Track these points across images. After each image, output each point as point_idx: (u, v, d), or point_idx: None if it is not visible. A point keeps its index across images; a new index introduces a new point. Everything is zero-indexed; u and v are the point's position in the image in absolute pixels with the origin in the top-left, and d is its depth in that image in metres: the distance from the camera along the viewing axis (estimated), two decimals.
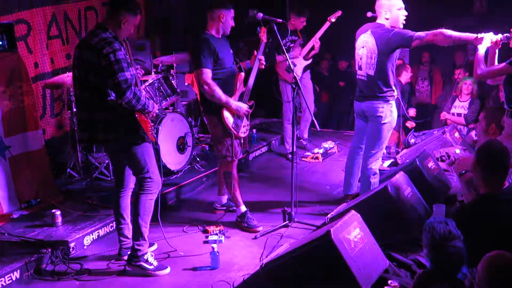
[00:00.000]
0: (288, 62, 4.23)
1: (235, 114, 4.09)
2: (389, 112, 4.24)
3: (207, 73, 3.94)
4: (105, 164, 5.12)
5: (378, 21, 4.21)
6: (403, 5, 4.18)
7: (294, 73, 4.13)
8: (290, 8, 8.62)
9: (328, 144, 6.43)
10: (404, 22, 4.18)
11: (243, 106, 4.12)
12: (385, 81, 4.19)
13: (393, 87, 4.24)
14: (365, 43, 4.21)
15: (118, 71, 3.16)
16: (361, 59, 4.26)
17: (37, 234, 3.91)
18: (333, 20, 5.87)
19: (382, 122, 4.23)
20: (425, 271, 2.58)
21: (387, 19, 4.17)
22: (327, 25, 5.89)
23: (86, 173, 5.12)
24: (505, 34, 3.57)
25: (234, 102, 4.06)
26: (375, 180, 4.36)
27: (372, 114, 4.25)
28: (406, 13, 4.18)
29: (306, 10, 5.94)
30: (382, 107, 4.21)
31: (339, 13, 5.87)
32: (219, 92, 3.97)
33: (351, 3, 6.37)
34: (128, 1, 3.38)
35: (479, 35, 3.62)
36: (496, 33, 3.66)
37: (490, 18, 7.86)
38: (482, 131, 3.73)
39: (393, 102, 4.27)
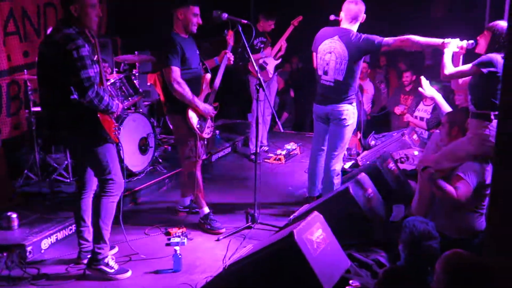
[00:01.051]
0: (253, 63, 4.24)
1: (201, 115, 4.07)
2: (352, 114, 4.32)
3: (177, 71, 3.90)
4: (64, 166, 4.99)
5: (345, 26, 4.25)
6: None
7: (258, 75, 4.14)
8: (255, 10, 8.71)
9: (291, 146, 6.48)
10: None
11: (210, 108, 4.11)
12: (352, 86, 4.27)
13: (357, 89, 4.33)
14: (332, 49, 4.23)
15: (81, 68, 3.09)
16: (327, 64, 4.27)
17: None
18: (295, 24, 6.11)
19: (346, 124, 4.30)
20: (394, 267, 2.65)
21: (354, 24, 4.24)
22: (291, 28, 6.12)
23: (44, 175, 4.97)
24: (470, 41, 3.71)
25: (201, 103, 4.04)
26: (337, 181, 4.42)
27: (336, 117, 4.30)
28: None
29: (274, 13, 6.08)
30: (347, 110, 4.28)
31: (300, 18, 6.13)
32: (189, 91, 3.94)
33: (315, 7, 6.48)
34: None
35: (446, 40, 3.74)
36: (453, 37, 3.80)
37: (447, 22, 8.13)
38: (445, 134, 3.84)
39: (355, 104, 4.35)
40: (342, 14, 4.28)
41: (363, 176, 3.97)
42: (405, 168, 4.71)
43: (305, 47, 4.52)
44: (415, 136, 5.56)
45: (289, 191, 5.26)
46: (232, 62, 4.32)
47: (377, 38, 4.10)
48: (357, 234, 3.56)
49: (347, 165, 5.62)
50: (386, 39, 4.08)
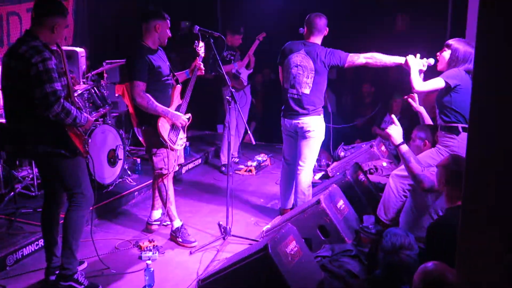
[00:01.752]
0: (224, 75, 4.24)
1: (172, 125, 4.04)
2: (321, 126, 4.37)
3: (140, 86, 3.85)
4: (29, 179, 4.84)
5: (310, 39, 4.31)
6: None
7: (230, 88, 4.15)
8: (222, 22, 8.76)
9: (261, 157, 6.51)
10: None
11: (181, 116, 4.07)
12: (320, 98, 4.33)
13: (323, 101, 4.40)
14: (299, 62, 4.28)
15: (47, 81, 3.01)
16: (294, 78, 4.31)
17: None
18: (260, 39, 6.36)
19: (315, 136, 4.34)
20: (372, 276, 2.70)
21: (318, 37, 4.31)
22: (256, 43, 6.35)
23: (8, 189, 4.81)
24: (430, 60, 3.85)
25: (171, 112, 4.00)
26: (309, 192, 4.45)
27: (305, 130, 4.34)
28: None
29: (241, 28, 6.16)
30: (315, 122, 4.32)
31: (264, 34, 6.40)
32: (153, 103, 3.90)
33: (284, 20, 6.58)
34: (55, 4, 3.22)
35: (408, 58, 3.86)
36: (416, 51, 3.95)
37: (410, 36, 8.35)
38: (416, 147, 3.94)
39: (322, 115, 4.41)
40: (306, 27, 4.34)
41: (334, 188, 4.02)
42: (379, 182, 4.79)
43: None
44: (383, 148, 5.67)
45: (261, 202, 5.27)
46: (203, 72, 4.32)
47: (342, 54, 4.19)
48: (330, 246, 3.58)
49: (317, 176, 5.69)
50: (351, 55, 4.17)
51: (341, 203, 3.92)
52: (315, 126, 4.32)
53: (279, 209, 4.84)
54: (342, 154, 6.01)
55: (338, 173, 5.10)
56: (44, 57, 3.02)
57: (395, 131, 3.53)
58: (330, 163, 6.05)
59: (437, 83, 3.66)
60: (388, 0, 8.25)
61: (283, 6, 7.95)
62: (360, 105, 7.60)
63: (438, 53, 3.88)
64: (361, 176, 4.48)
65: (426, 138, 3.91)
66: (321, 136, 4.42)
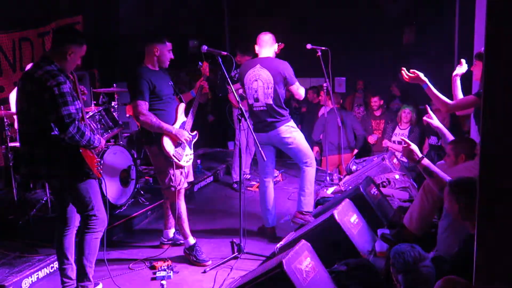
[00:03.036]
0: (234, 93, 4.27)
1: (177, 141, 4.06)
2: (294, 129, 4.60)
3: (142, 105, 3.92)
4: (43, 201, 4.88)
5: (264, 55, 4.58)
6: None
7: (240, 105, 4.17)
8: (230, 40, 8.84)
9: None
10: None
11: (185, 133, 4.11)
12: (282, 106, 4.54)
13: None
14: (257, 76, 4.50)
15: (62, 105, 3.07)
16: (256, 91, 4.52)
17: None
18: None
19: (292, 141, 4.54)
20: None
21: (274, 51, 4.64)
22: None
23: (23, 211, 4.85)
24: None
25: (174, 128, 4.04)
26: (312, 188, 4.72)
27: (281, 140, 4.56)
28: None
29: (251, 48, 6.13)
30: (287, 129, 4.53)
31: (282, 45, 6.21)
32: (156, 120, 3.95)
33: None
34: (73, 32, 3.32)
35: (421, 76, 3.74)
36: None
37: (418, 48, 8.38)
38: (451, 162, 3.85)
39: (291, 121, 4.62)
40: (257, 47, 4.64)
41: (347, 202, 4.00)
42: (392, 194, 4.75)
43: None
44: (395, 160, 5.64)
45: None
46: (208, 90, 4.39)
47: (291, 79, 4.50)
48: (344, 261, 3.54)
49: (330, 190, 5.66)
50: (293, 86, 4.52)
51: (354, 218, 3.89)
52: (288, 132, 4.55)
53: (261, 226, 4.84)
54: (354, 167, 5.98)
55: (350, 187, 5.07)
56: (59, 81, 3.08)
57: (415, 146, 3.49)
58: (342, 177, 6.02)
59: (470, 100, 3.58)
60: (395, 13, 8.29)
61: (291, 25, 8.05)
62: (366, 119, 7.59)
63: (471, 68, 3.81)
64: (374, 190, 4.45)
65: (462, 153, 3.82)
66: (299, 135, 4.61)
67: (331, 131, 6.66)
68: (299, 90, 4.59)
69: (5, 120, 4.76)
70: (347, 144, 6.76)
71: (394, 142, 6.64)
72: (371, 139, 7.04)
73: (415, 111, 6.62)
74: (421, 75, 3.72)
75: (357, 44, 8.34)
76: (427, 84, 3.72)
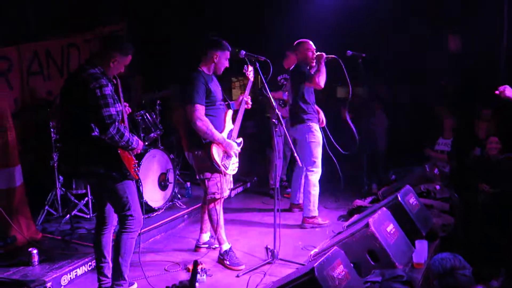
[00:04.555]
0: (271, 100, 4.27)
1: (225, 151, 4.09)
2: (308, 133, 4.97)
3: (200, 109, 3.95)
4: (84, 201, 5.03)
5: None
6: None
7: (276, 111, 4.17)
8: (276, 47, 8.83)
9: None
10: None
11: (234, 145, 4.13)
12: (303, 107, 5.02)
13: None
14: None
15: (103, 106, 3.17)
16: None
17: (13, 274, 3.79)
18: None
19: (308, 141, 4.93)
20: None
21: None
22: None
23: (65, 210, 5.02)
24: None
25: (225, 140, 4.06)
26: (314, 192, 5.04)
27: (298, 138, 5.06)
28: None
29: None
30: (302, 130, 4.97)
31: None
32: (212, 128, 3.98)
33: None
34: (119, 42, 3.42)
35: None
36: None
37: (463, 56, 8.13)
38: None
39: (313, 124, 5.03)
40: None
41: (384, 211, 3.91)
42: (432, 205, 4.63)
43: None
44: (436, 171, 5.48)
45: (309, 226, 5.19)
46: (249, 106, 4.36)
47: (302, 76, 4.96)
48: (379, 271, 3.47)
49: (368, 200, 5.56)
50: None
51: (391, 227, 3.80)
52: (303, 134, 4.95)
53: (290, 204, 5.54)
54: (393, 177, 5.85)
55: (389, 197, 4.96)
56: (101, 84, 3.18)
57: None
58: (380, 186, 5.90)
59: None
60: (439, 19, 8.07)
61: (333, 28, 7.99)
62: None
63: None
64: (413, 199, 4.34)
65: None
66: (316, 142, 4.99)
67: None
68: None
69: (51, 122, 4.94)
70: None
71: (436, 151, 6.47)
72: (427, 152, 6.80)
73: (459, 121, 6.43)
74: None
75: (397, 50, 8.18)
76: None
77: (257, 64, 4.17)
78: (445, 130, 6.47)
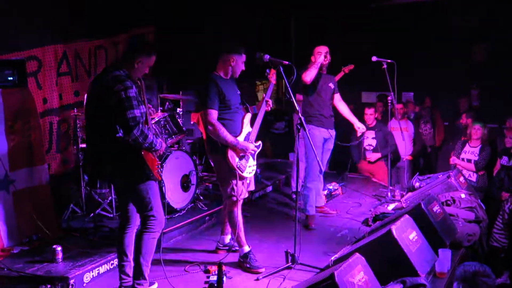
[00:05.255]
0: (294, 103, 4.26)
1: (241, 154, 4.10)
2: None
3: (212, 114, 3.99)
4: (108, 201, 5.10)
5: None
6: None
7: (299, 114, 4.16)
8: (296, 51, 8.85)
9: (333, 186, 6.40)
10: None
11: (250, 146, 4.14)
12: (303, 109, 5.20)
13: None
14: None
15: (128, 108, 3.21)
16: None
17: (37, 270, 3.87)
18: (346, 71, 6.30)
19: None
20: None
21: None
22: (341, 74, 6.28)
23: (89, 209, 5.10)
24: None
25: (240, 142, 4.08)
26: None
27: None
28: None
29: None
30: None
31: (351, 66, 6.29)
32: (224, 132, 4.00)
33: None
34: (143, 43, 3.49)
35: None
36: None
37: (489, 68, 8.00)
38: None
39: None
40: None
41: (406, 219, 3.86)
42: (457, 214, 4.54)
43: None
44: (461, 179, 5.38)
45: (330, 231, 5.17)
46: (270, 109, 4.40)
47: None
48: (400, 278, 3.42)
49: (391, 207, 5.49)
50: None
51: (413, 235, 3.74)
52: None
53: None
54: (417, 184, 5.77)
55: (412, 204, 4.89)
56: (126, 86, 3.23)
57: None
58: (404, 193, 5.83)
59: None
60: (465, 28, 7.95)
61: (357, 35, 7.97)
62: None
63: None
64: (437, 207, 4.26)
65: None
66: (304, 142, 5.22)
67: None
68: None
69: (77, 122, 5.04)
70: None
71: (462, 159, 6.35)
72: (452, 160, 6.58)
73: (486, 128, 6.31)
74: None
75: (420, 60, 8.14)
76: None
77: (281, 68, 4.17)
78: (472, 137, 6.34)
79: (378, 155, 6.90)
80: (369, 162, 6.99)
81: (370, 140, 6.95)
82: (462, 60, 8.11)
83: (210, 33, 7.30)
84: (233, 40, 7.22)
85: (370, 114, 6.90)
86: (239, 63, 4.13)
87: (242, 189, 4.19)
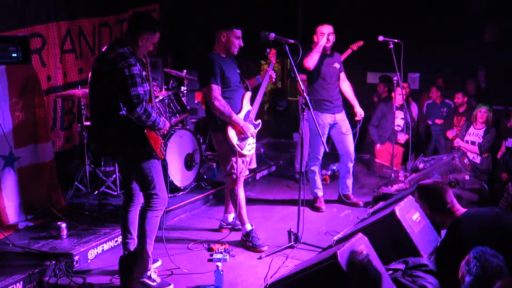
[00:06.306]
0: (299, 82, 4.23)
1: (241, 132, 4.10)
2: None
3: (216, 90, 3.98)
4: (112, 179, 5.12)
5: None
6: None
7: (304, 94, 4.13)
8: (303, 30, 8.74)
9: (336, 166, 6.39)
10: None
11: (251, 127, 4.13)
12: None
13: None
14: None
15: (131, 85, 3.19)
16: None
17: (42, 246, 3.91)
18: (354, 48, 6.18)
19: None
20: None
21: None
22: (348, 52, 6.16)
23: (93, 187, 5.12)
24: None
25: (242, 121, 4.07)
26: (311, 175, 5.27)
27: None
28: None
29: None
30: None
31: (360, 43, 6.18)
32: (228, 109, 3.99)
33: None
34: (147, 19, 3.44)
35: None
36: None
37: (500, 48, 7.90)
38: None
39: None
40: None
41: (410, 200, 3.86)
42: (460, 195, 4.53)
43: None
44: (466, 160, 5.36)
45: (333, 212, 5.18)
46: (273, 80, 4.39)
47: None
48: (404, 259, 3.43)
49: (394, 188, 5.49)
50: None
51: (417, 216, 3.75)
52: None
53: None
54: (421, 165, 5.75)
55: (415, 185, 4.88)
56: (129, 63, 3.21)
57: None
58: (408, 174, 5.82)
59: None
60: (476, 9, 7.84)
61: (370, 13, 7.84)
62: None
63: None
64: None
65: None
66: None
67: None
68: None
69: (82, 100, 5.02)
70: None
71: (467, 141, 6.32)
72: (450, 134, 6.92)
73: (492, 111, 6.26)
74: None
75: (431, 41, 8.04)
76: None
77: (287, 47, 4.13)
78: (477, 120, 6.30)
79: (407, 136, 6.54)
80: (399, 144, 6.71)
81: (399, 121, 6.67)
82: (473, 41, 8.02)
83: (215, 11, 7.22)
84: (236, 17, 7.17)
85: (398, 94, 6.38)
86: (231, 38, 4.07)
87: (242, 167, 4.19)
